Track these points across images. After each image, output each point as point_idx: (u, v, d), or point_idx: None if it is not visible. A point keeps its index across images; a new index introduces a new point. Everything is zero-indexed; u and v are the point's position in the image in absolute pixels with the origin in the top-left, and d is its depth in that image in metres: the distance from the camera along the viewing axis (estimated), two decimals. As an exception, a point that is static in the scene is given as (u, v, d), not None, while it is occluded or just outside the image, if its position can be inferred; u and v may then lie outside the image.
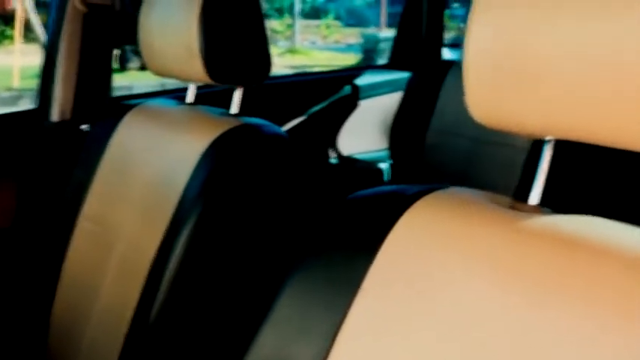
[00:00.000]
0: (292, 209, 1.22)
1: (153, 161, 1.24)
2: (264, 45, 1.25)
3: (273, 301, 0.75)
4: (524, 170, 1.70)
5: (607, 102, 0.54)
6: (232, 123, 1.19)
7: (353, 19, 21.08)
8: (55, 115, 1.60)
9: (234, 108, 1.27)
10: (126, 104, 1.40)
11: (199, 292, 1.13)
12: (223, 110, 1.28)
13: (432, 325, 0.64)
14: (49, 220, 1.40)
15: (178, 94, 1.68)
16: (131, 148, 1.31)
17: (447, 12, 2.49)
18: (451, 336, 0.62)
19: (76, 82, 1.59)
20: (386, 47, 11.23)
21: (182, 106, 1.35)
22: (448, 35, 2.60)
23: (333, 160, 2.17)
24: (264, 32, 1.25)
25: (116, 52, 1.83)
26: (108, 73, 1.66)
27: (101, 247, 1.26)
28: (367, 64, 11.29)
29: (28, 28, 7.26)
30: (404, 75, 2.30)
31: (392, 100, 2.28)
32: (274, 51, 13.59)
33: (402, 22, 2.37)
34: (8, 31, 8.77)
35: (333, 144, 2.17)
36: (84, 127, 1.59)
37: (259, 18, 1.24)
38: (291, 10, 14.99)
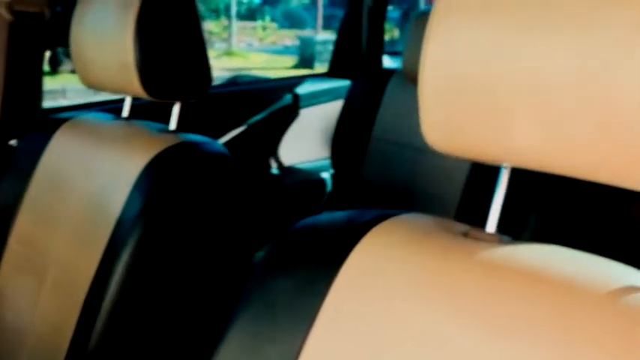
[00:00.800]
0: (234, 228, 1.18)
1: (88, 180, 1.19)
2: (203, 58, 1.21)
3: (220, 339, 0.71)
4: (465, 191, 1.71)
5: (564, 131, 0.53)
6: (171, 140, 1.14)
7: (289, 21, 21.11)
8: (-20, 130, 1.51)
9: (173, 123, 1.22)
10: (58, 118, 1.33)
11: (140, 319, 1.08)
12: (161, 126, 1.23)
13: (388, 358, 0.61)
14: None
15: (114, 105, 1.61)
16: (64, 165, 1.25)
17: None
18: None
19: (3, 95, 1.51)
20: (323, 50, 11.30)
21: (118, 121, 1.29)
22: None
23: (275, 171, 2.14)
24: (204, 45, 1.21)
25: (47, 53, 1.75)
26: (38, 84, 1.58)
27: (33, 272, 1.20)
28: (305, 66, 11.28)
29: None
30: (344, 83, 2.29)
31: (333, 109, 2.26)
32: (211, 53, 13.40)
33: (342, 30, 2.36)
34: None
35: (274, 154, 2.14)
36: (12, 142, 1.51)
37: (198, 31, 1.20)
38: (227, 11, 14.85)
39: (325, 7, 15.74)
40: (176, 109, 1.23)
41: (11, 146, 1.50)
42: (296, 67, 11.56)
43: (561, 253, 0.61)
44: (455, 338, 0.58)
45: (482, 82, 0.57)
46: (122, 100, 1.30)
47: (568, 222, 1.47)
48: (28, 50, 1.54)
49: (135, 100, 1.29)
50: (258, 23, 17.72)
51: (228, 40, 14.20)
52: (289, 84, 2.20)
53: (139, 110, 1.30)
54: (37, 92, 1.59)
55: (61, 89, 6.41)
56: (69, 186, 1.21)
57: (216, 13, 16.64)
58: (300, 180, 2.18)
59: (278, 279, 0.72)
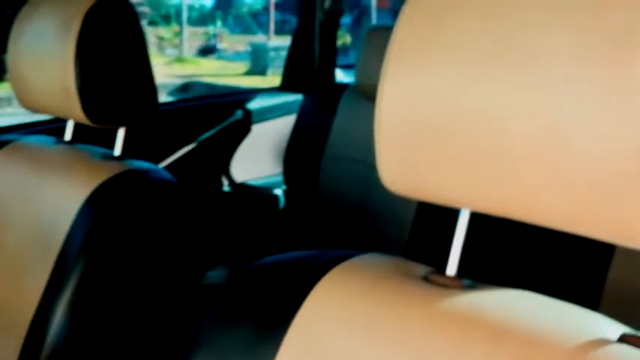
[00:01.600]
0: (183, 253, 1.14)
1: (28, 210, 1.13)
2: (149, 81, 1.16)
3: None
4: (419, 208, 1.69)
5: (519, 176, 0.51)
6: (115, 168, 1.09)
7: (240, 26, 21.05)
8: None
9: (117, 149, 1.17)
10: None
11: (85, 357, 1.03)
12: (105, 151, 1.18)
13: None
14: None
15: (56, 124, 1.55)
16: (2, 193, 1.19)
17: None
18: None
19: None
20: (275, 56, 11.28)
21: (60, 146, 1.23)
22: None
23: (226, 188, 2.09)
24: (149, 67, 1.17)
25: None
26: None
27: None
28: (257, 73, 11.22)
29: None
30: (296, 97, 2.26)
31: (285, 124, 2.23)
32: (162, 60, 13.28)
33: (294, 44, 2.33)
34: None
35: (225, 171, 2.10)
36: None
37: (143, 51, 1.15)
38: (178, 17, 14.70)
39: (277, 12, 15.72)
40: (121, 134, 1.18)
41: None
42: (248, 73, 11.51)
43: (527, 299, 0.59)
44: None
45: (438, 124, 0.55)
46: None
47: (525, 259, 1.47)
48: None
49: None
50: (210, 28, 17.62)
51: (179, 46, 14.04)
52: (240, 99, 2.16)
53: (84, 130, 1.25)
54: None
55: (6, 97, 6.21)
56: (7, 216, 1.16)
57: (167, 19, 16.47)
58: (252, 197, 2.14)
59: (231, 327, 0.69)
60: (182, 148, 1.95)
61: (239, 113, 2.10)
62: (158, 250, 1.11)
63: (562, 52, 0.49)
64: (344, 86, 2.17)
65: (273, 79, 10.42)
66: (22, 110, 1.28)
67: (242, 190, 2.13)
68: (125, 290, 1.06)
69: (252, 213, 2.12)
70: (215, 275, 1.97)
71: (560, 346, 0.52)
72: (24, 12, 1.18)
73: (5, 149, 1.24)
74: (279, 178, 2.23)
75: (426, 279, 0.64)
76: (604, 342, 0.52)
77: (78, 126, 1.24)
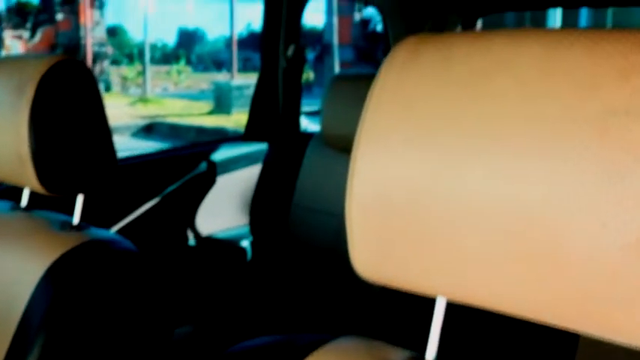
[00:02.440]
0: (149, 324, 1.09)
1: None
2: (107, 145, 1.12)
3: None
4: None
5: (500, 267, 0.49)
6: (75, 239, 1.04)
7: (203, 63, 21.16)
8: None
9: (76, 217, 1.12)
10: None
11: None
12: (64, 219, 1.13)
13: None
14: None
15: (9, 186, 1.50)
16: None
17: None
18: None
19: None
20: (239, 95, 11.29)
21: (16, 213, 1.18)
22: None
23: (192, 242, 2.04)
24: (108, 130, 1.12)
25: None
26: None
27: None
28: (221, 112, 11.21)
29: None
30: (261, 147, 2.23)
31: (250, 174, 2.19)
32: (125, 100, 13.21)
33: (257, 92, 2.30)
34: None
35: (190, 225, 2.04)
36: None
37: (101, 115, 1.11)
38: (141, 56, 14.68)
39: (240, 50, 15.81)
40: (79, 201, 1.13)
41: None
42: (213, 112, 11.50)
43: None
44: None
45: (411, 207, 0.53)
46: None
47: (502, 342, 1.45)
48: None
49: None
50: (173, 67, 17.67)
51: (143, 85, 14.00)
52: (203, 150, 2.12)
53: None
54: None
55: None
56: None
57: (130, 58, 16.47)
58: (219, 250, 2.09)
59: None
60: (145, 204, 1.90)
61: (203, 165, 2.05)
62: (121, 321, 1.06)
63: (540, 138, 0.46)
64: (309, 135, 2.15)
65: (237, 117, 10.42)
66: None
67: (208, 243, 2.08)
68: None
69: (220, 266, 2.06)
70: (183, 332, 1.92)
71: None
72: None
73: None
74: (246, 230, 2.18)
75: None
76: None
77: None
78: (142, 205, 1.90)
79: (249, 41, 20.77)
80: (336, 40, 11.35)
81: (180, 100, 13.47)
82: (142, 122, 10.82)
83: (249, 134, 2.30)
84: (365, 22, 15.50)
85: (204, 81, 16.52)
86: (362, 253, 0.58)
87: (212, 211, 2.10)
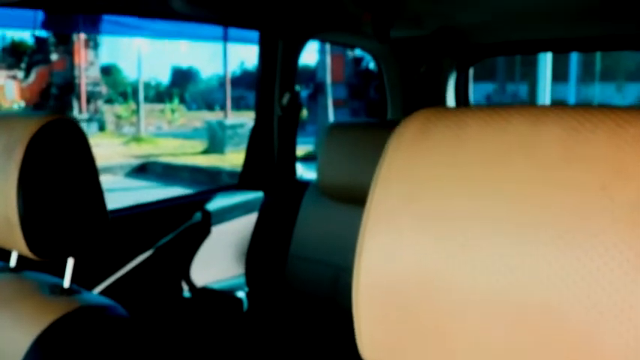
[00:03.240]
0: None
1: None
2: (99, 206, 1.09)
3: None
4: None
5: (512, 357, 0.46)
6: (66, 305, 1.01)
7: (197, 102, 21.23)
8: None
9: (67, 280, 1.09)
10: None
11: None
12: (55, 281, 1.10)
13: None
14: None
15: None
16: None
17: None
18: None
19: None
20: (232, 134, 11.30)
21: (4, 275, 1.14)
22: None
23: (187, 294, 2.00)
24: (100, 191, 1.10)
25: None
26: None
27: None
28: (215, 151, 11.19)
29: None
30: (256, 195, 2.20)
31: (245, 223, 2.16)
32: (119, 139, 13.20)
33: (252, 140, 2.28)
34: None
35: (185, 276, 2.01)
36: None
37: (92, 175, 1.08)
38: (135, 95, 14.73)
39: (233, 88, 15.89)
40: (69, 265, 1.10)
41: None
42: (206, 152, 11.49)
43: None
44: None
45: (421, 298, 0.50)
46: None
47: None
48: None
49: None
50: (167, 106, 17.72)
51: (136, 124, 14.01)
52: (198, 199, 2.09)
53: None
54: None
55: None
56: None
57: (124, 97, 16.51)
58: (214, 302, 2.05)
59: None
60: (138, 256, 1.86)
61: (197, 215, 2.03)
62: None
63: (561, 229, 0.44)
64: (305, 184, 2.12)
65: (232, 156, 10.42)
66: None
67: (203, 294, 2.04)
68: None
69: (215, 318, 2.02)
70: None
71: None
72: None
73: None
74: (242, 280, 2.14)
75: None
76: None
77: None
78: (135, 257, 1.86)
79: (243, 80, 20.90)
80: (329, 79, 11.41)
81: (173, 139, 13.47)
82: (136, 162, 10.80)
83: (243, 182, 2.27)
84: (357, 60, 15.62)
85: (198, 119, 16.55)
86: (368, 337, 0.55)
87: (207, 262, 2.06)
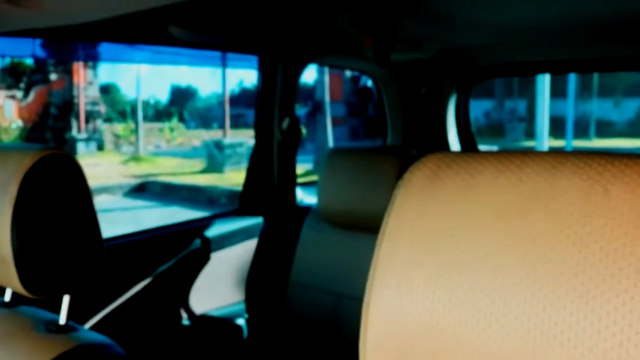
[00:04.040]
0: None
1: None
2: (96, 243, 1.07)
3: None
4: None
5: None
6: (63, 344, 0.98)
7: (196, 120, 21.25)
8: None
9: (62, 317, 1.06)
10: None
11: None
12: (50, 317, 1.07)
13: None
14: None
15: None
16: None
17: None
18: None
19: None
20: (231, 153, 11.29)
21: None
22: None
23: (186, 322, 1.97)
24: (97, 227, 1.07)
25: None
26: None
27: None
28: (214, 170, 11.17)
29: None
30: (256, 221, 2.18)
31: (245, 250, 2.14)
32: (118, 158, 13.18)
33: (252, 165, 2.26)
34: None
35: (184, 304, 1.98)
36: None
37: (89, 210, 1.06)
38: (134, 114, 14.74)
39: (232, 106, 15.91)
40: (65, 302, 1.07)
41: None
42: (205, 171, 11.47)
43: None
44: None
45: (428, 352, 0.48)
46: None
47: None
48: None
49: None
50: (166, 124, 17.74)
51: (135, 143, 14.00)
52: (197, 226, 2.07)
53: None
54: None
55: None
56: None
57: (123, 116, 16.52)
58: (214, 329, 2.02)
59: None
60: (137, 284, 1.84)
61: (197, 242, 2.00)
62: None
63: (581, 286, 0.42)
64: (306, 209, 2.10)
65: (230, 175, 10.40)
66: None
67: (203, 322, 2.01)
68: None
69: (215, 345, 1.99)
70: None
71: None
72: None
73: None
74: (242, 307, 2.12)
75: None
76: None
77: None
78: (134, 285, 1.84)
79: (242, 98, 20.93)
80: (327, 97, 11.42)
81: (173, 158, 13.45)
82: (135, 181, 10.77)
83: (243, 208, 2.25)
84: (355, 79, 15.67)
85: (197, 138, 16.57)
86: None
87: (206, 289, 2.04)
